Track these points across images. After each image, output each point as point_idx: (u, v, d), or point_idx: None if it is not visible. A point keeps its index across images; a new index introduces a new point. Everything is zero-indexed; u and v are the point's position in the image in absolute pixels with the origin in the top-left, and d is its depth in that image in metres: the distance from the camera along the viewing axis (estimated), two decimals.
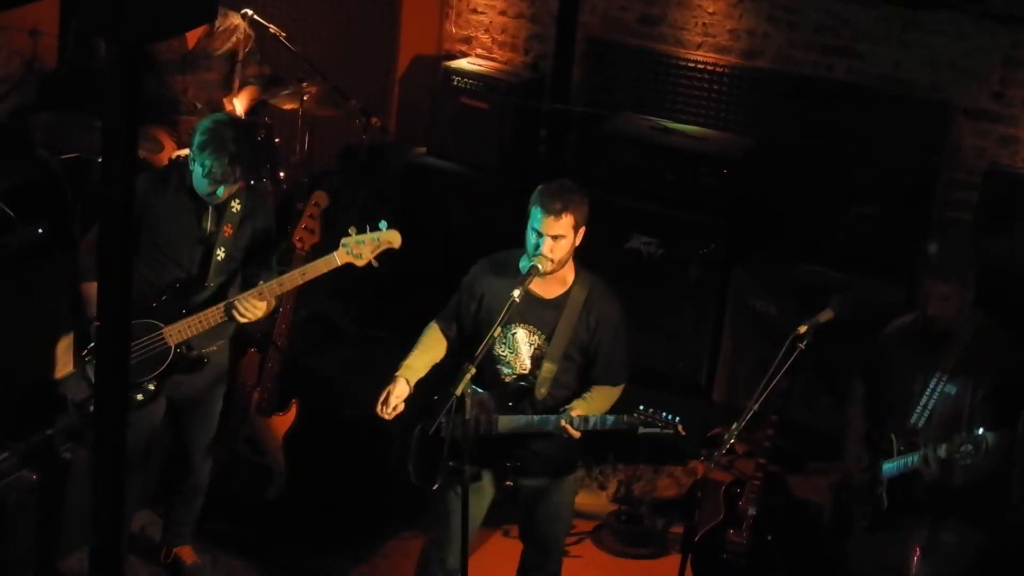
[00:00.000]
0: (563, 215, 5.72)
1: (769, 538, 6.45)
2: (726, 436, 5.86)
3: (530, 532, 6.23)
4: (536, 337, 5.91)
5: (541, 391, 5.90)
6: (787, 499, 6.63)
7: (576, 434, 5.79)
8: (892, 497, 5.89)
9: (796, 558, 6.53)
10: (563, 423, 5.77)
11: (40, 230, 7.02)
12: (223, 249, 6.27)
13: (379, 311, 8.53)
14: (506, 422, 5.88)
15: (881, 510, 5.92)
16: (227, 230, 6.28)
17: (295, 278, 6.23)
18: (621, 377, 6.02)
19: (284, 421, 6.84)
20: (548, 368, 5.89)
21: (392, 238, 6.19)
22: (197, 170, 6.12)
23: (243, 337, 6.82)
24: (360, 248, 6.20)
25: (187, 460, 6.62)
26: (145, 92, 7.63)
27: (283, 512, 6.95)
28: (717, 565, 6.51)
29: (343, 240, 6.20)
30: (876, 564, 6.07)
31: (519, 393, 5.92)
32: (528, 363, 5.93)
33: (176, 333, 6.21)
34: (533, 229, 5.76)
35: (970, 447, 5.56)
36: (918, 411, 5.88)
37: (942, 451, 5.65)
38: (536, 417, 5.86)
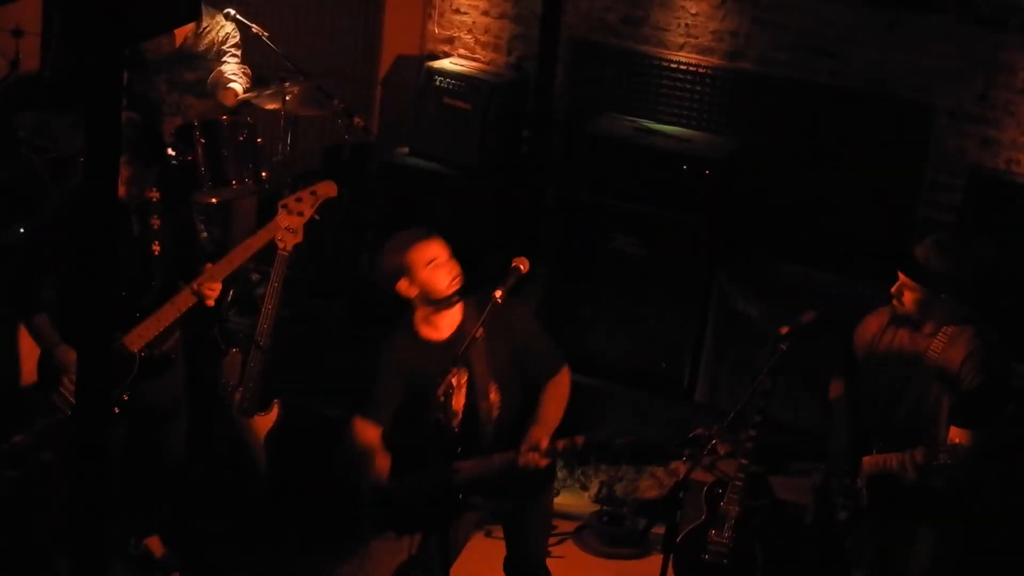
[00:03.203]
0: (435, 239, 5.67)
1: (751, 539, 6.46)
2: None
3: (516, 546, 6.17)
4: (459, 375, 5.66)
5: (488, 425, 5.71)
6: (769, 500, 6.64)
7: (545, 463, 5.57)
8: (873, 493, 5.90)
9: (778, 559, 6.54)
10: (528, 458, 5.54)
11: (22, 230, 7.01)
12: (157, 242, 6.24)
13: (362, 310, 8.52)
14: (468, 471, 5.65)
15: (861, 506, 5.93)
16: (154, 223, 6.24)
17: (242, 251, 6.24)
18: (560, 360, 5.82)
19: (266, 421, 6.83)
20: (490, 395, 5.68)
21: (328, 189, 6.30)
22: None
23: (225, 337, 6.79)
24: (300, 205, 6.23)
25: (169, 459, 6.64)
26: (132, 92, 7.67)
27: (265, 512, 6.95)
28: (699, 566, 6.51)
29: (280, 202, 6.26)
30: (868, 559, 6.10)
31: (464, 437, 5.71)
32: (463, 402, 5.72)
33: (136, 339, 6.17)
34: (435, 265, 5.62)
35: (947, 459, 5.57)
36: (896, 409, 5.90)
37: (919, 457, 5.66)
38: (496, 459, 5.62)
